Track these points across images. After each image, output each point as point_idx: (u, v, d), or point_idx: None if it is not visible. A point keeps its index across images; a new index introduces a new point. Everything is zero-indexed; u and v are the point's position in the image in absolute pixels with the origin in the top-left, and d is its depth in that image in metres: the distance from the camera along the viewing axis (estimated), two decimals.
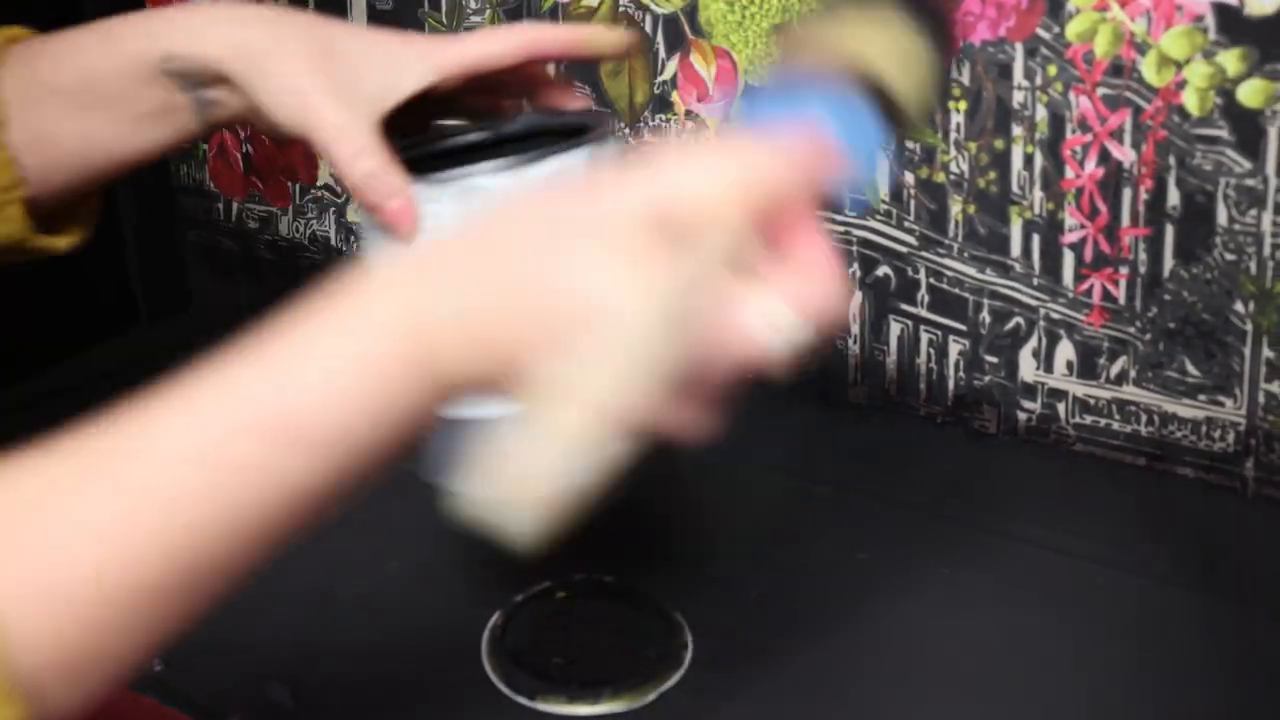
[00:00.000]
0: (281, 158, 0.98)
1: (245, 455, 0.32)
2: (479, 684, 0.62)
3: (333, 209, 0.97)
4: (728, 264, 0.33)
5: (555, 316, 0.33)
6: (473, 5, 0.83)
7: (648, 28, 0.77)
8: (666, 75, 0.78)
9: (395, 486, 0.55)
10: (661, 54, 0.77)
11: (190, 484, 0.32)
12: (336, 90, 0.52)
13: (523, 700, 0.60)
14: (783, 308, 0.34)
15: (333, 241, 0.98)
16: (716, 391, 0.36)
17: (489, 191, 0.50)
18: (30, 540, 0.31)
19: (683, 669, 0.63)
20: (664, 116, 0.79)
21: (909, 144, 0.70)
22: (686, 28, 0.76)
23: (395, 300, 0.34)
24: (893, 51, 0.41)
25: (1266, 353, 0.63)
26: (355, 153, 0.51)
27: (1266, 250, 0.61)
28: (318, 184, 0.97)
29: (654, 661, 0.62)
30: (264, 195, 1.01)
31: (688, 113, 0.78)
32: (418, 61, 0.53)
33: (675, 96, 0.78)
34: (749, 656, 0.64)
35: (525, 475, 0.30)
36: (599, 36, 0.54)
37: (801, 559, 0.73)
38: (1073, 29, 0.63)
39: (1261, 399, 0.64)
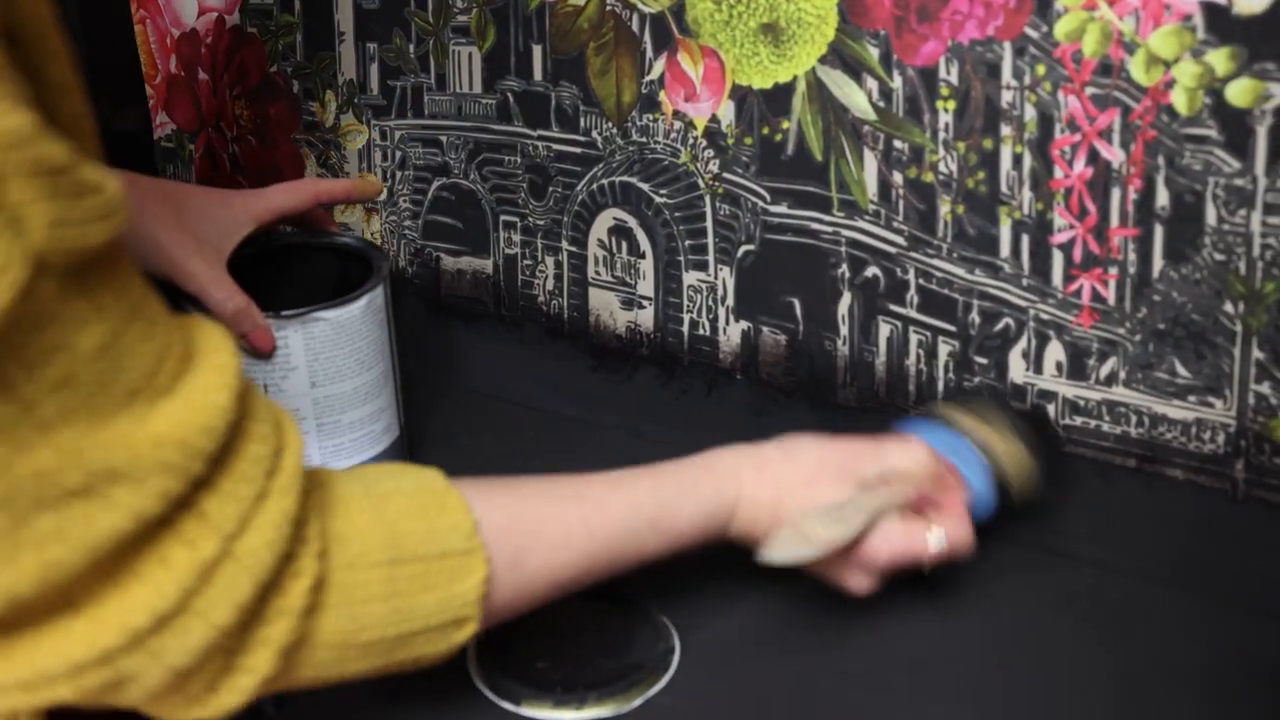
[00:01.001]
0: (267, 157, 0.98)
1: (638, 527, 0.59)
2: (464, 689, 0.62)
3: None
4: (907, 503, 0.63)
5: (801, 504, 0.62)
6: (459, 4, 0.83)
7: (635, 27, 0.77)
8: (654, 75, 0.78)
9: None
10: (649, 53, 0.77)
11: (611, 534, 0.58)
12: (191, 243, 0.70)
13: (507, 705, 0.60)
14: (941, 533, 0.62)
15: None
16: (890, 567, 0.63)
17: (326, 322, 0.71)
18: (523, 539, 0.55)
19: (670, 673, 0.63)
20: (652, 116, 0.79)
21: (897, 145, 0.71)
22: (674, 27, 0.76)
23: (735, 487, 0.62)
24: (1010, 454, 0.67)
25: (1256, 354, 0.63)
26: (225, 296, 0.70)
27: (1256, 250, 0.61)
28: None
29: (640, 666, 0.63)
30: None
31: (675, 112, 0.78)
32: (242, 214, 0.74)
33: (663, 96, 0.78)
34: (737, 660, 0.64)
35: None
36: (363, 187, 0.79)
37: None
38: (1061, 28, 0.63)
39: (1252, 400, 0.64)
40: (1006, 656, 0.64)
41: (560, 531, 0.56)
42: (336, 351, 0.72)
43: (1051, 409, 0.70)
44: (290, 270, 0.79)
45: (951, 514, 0.63)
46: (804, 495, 0.61)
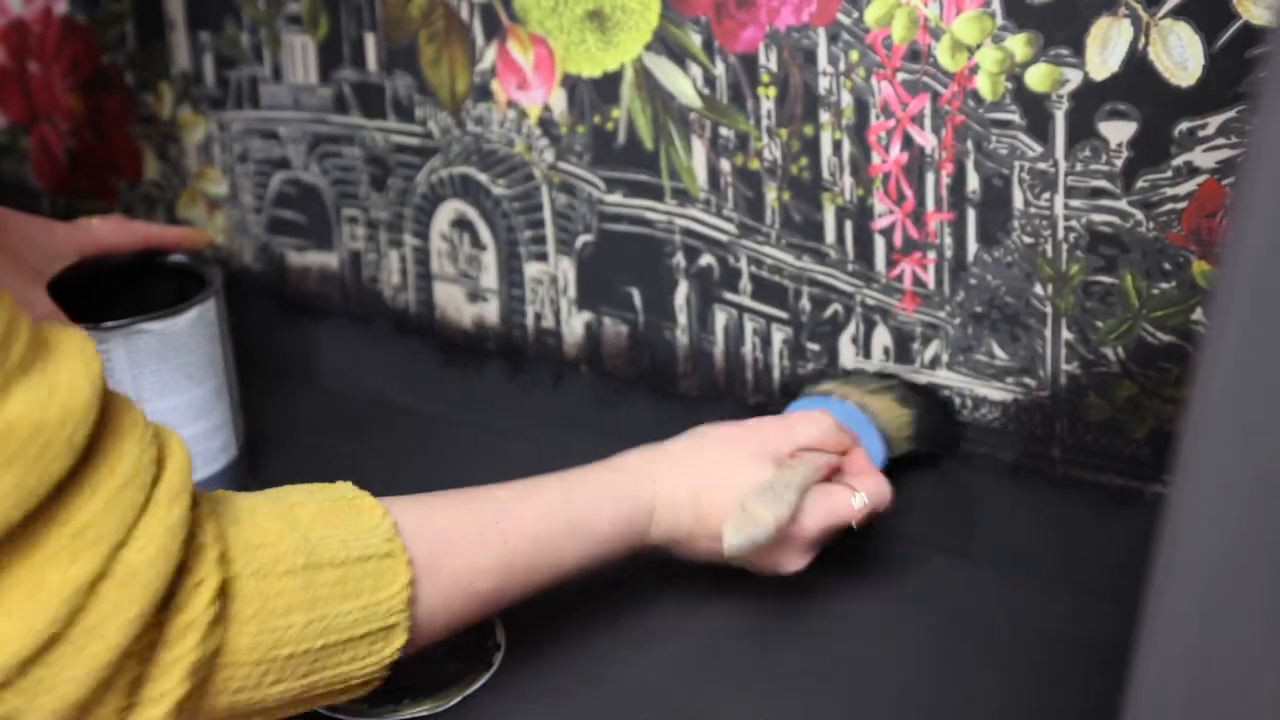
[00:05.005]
0: (104, 151, 0.98)
1: (555, 531, 0.59)
2: None
3: (161, 205, 0.97)
4: (824, 472, 0.65)
5: (723, 495, 0.62)
6: None
7: (464, 14, 0.78)
8: (486, 64, 0.79)
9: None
10: (479, 42, 0.79)
11: (528, 539, 0.58)
12: (9, 263, 0.71)
13: (321, 710, 0.62)
14: (862, 494, 0.64)
15: None
16: (823, 538, 0.64)
17: (150, 334, 0.72)
18: (441, 544, 0.55)
19: (493, 669, 0.65)
20: (486, 105, 0.80)
21: (723, 132, 0.73)
22: (503, 14, 0.77)
23: (650, 485, 0.62)
24: (884, 408, 0.71)
25: (1066, 334, 0.66)
26: (43, 316, 0.70)
27: (1060, 233, 0.65)
28: (144, 179, 0.97)
29: (463, 663, 0.64)
30: (90, 192, 1.01)
31: (509, 102, 0.79)
32: (65, 243, 0.75)
33: (495, 85, 0.79)
34: (563, 654, 0.66)
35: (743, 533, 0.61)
36: (195, 238, 0.81)
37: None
38: (871, 14, 0.66)
39: (1064, 381, 0.67)
40: (836, 641, 0.67)
41: (474, 535, 0.56)
42: (163, 365, 0.72)
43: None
44: (125, 292, 0.80)
45: (864, 473, 0.65)
46: (723, 485, 0.62)
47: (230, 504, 0.50)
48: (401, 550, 0.52)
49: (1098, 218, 0.64)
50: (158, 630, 0.45)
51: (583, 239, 0.80)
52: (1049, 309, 0.66)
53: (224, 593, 0.47)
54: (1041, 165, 0.64)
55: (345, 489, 0.54)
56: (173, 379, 0.73)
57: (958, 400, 0.71)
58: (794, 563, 0.64)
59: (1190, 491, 0.28)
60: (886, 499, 0.65)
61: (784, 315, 0.75)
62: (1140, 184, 0.62)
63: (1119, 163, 0.62)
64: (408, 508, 0.55)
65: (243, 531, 0.49)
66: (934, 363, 0.71)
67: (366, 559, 0.51)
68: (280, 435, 0.86)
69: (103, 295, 0.77)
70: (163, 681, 0.45)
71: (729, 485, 0.61)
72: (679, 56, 0.73)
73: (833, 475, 0.65)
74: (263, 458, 0.83)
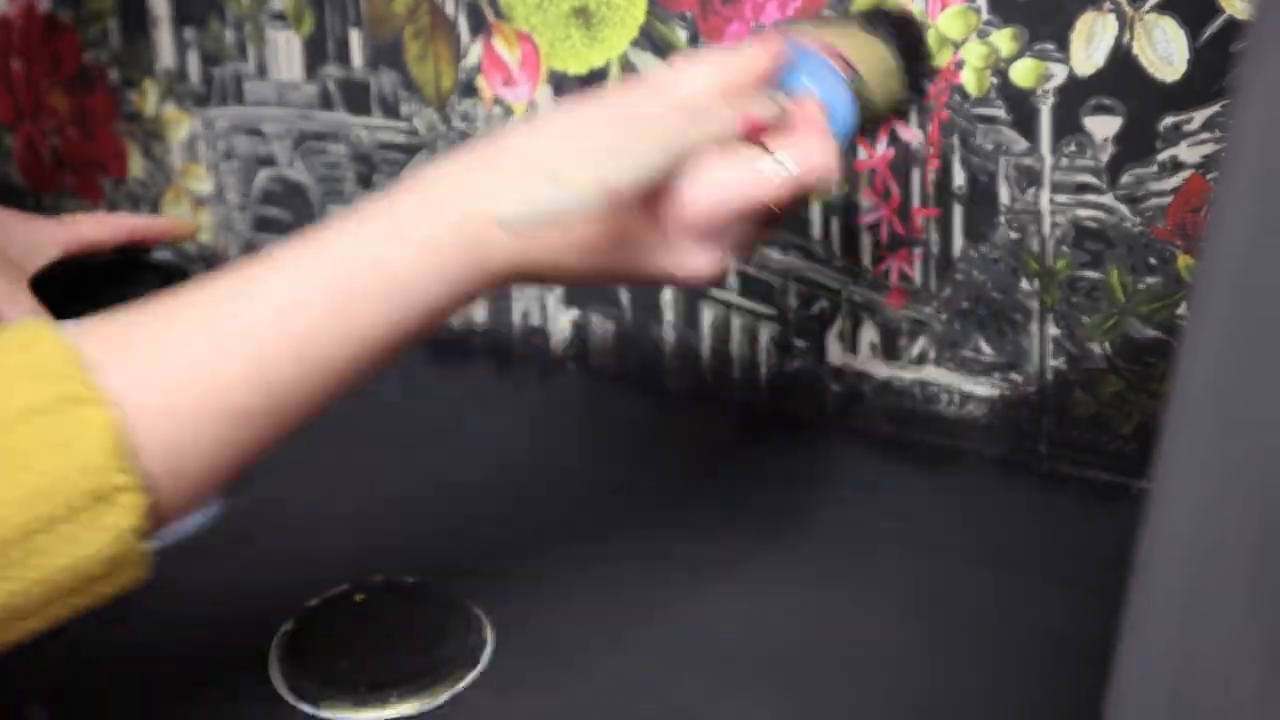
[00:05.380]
0: (90, 149, 0.97)
1: (332, 303, 0.42)
2: (265, 694, 0.63)
3: (146, 203, 0.97)
4: (736, 128, 0.46)
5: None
6: None
7: (449, 10, 0.78)
8: (471, 60, 0.79)
9: None
10: (465, 38, 0.79)
11: (287, 327, 0.42)
12: None
13: (306, 708, 0.62)
14: (786, 155, 0.46)
15: None
16: (727, 221, 0.46)
17: None
18: (157, 366, 0.41)
19: (480, 666, 0.65)
20: (471, 102, 0.80)
21: None
22: (488, 11, 0.77)
23: (458, 201, 0.44)
24: (864, 55, 0.56)
25: (1052, 330, 0.66)
26: (21, 312, 0.69)
27: (1046, 228, 0.65)
28: (129, 177, 0.97)
29: (450, 660, 0.64)
30: (76, 190, 1.00)
31: (495, 99, 0.79)
32: (48, 240, 0.74)
33: (481, 82, 0.79)
34: (551, 650, 0.66)
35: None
36: (179, 228, 0.81)
37: (613, 551, 0.75)
38: (856, 9, 0.66)
39: (1050, 376, 0.67)
40: (824, 637, 0.67)
41: (203, 342, 0.42)
42: None
43: (868, 391, 0.73)
44: (110, 289, 0.80)
45: (803, 131, 0.48)
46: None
47: None
48: (94, 386, 0.39)
49: (1083, 213, 0.64)
50: None
51: None
52: (1035, 304, 0.66)
53: None
54: (1027, 160, 0.64)
55: (22, 329, 0.41)
56: None
57: (946, 395, 0.71)
58: (696, 261, 0.47)
59: (1170, 486, 0.28)
60: (823, 168, 0.47)
61: (771, 312, 0.75)
62: (1126, 179, 0.62)
63: (1104, 158, 0.62)
64: (100, 334, 0.42)
65: None
66: (921, 359, 0.71)
67: (33, 412, 0.38)
68: None
69: (87, 293, 0.77)
70: None
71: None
72: (665, 52, 0.73)
73: (752, 135, 0.47)
74: None
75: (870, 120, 0.56)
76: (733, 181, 0.45)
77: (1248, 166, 0.24)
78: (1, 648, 0.42)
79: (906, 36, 0.59)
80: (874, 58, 0.55)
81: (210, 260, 0.95)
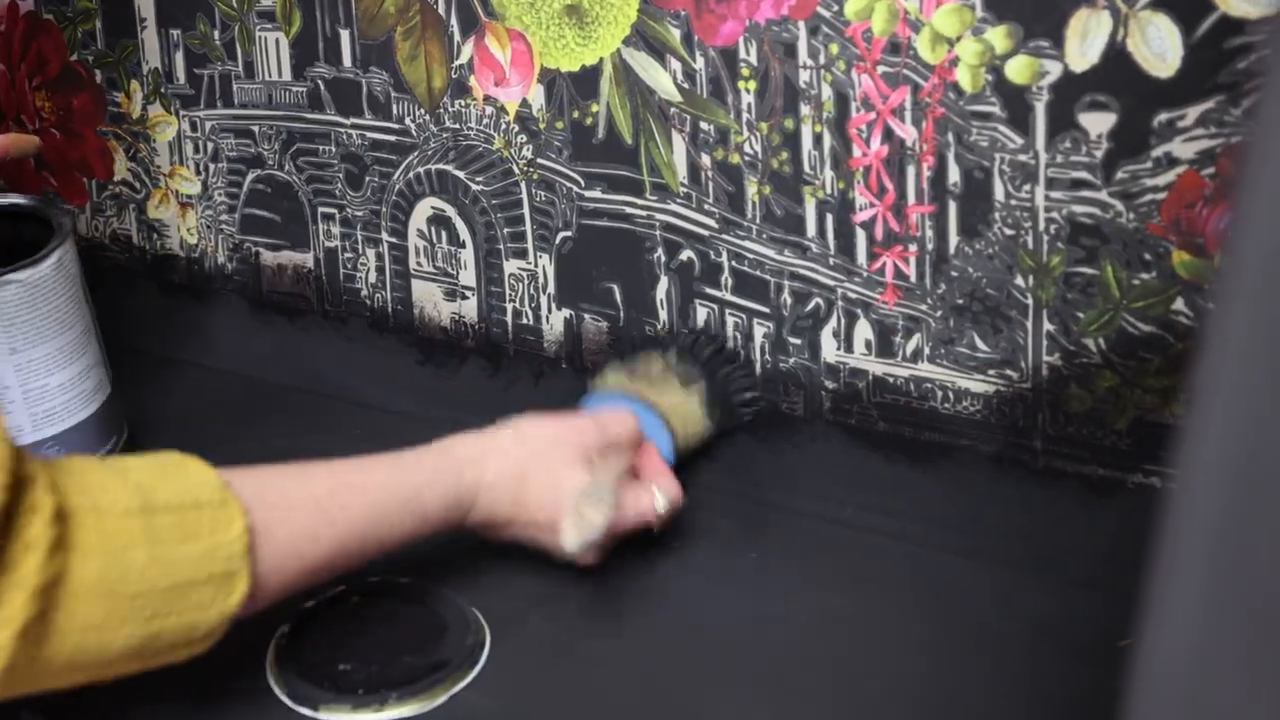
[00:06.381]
0: (75, 152, 0.96)
1: (390, 507, 0.62)
2: (263, 697, 0.62)
3: (133, 205, 0.96)
4: (625, 473, 0.69)
5: (540, 488, 0.67)
6: None
7: (441, 10, 0.78)
8: (463, 59, 0.78)
9: None
10: (457, 37, 0.78)
11: (362, 511, 0.61)
12: None
13: (305, 711, 0.61)
14: (660, 494, 0.69)
15: (135, 240, 0.97)
16: (623, 534, 0.68)
17: (17, 284, 0.73)
18: (278, 510, 0.57)
19: (478, 667, 0.64)
20: (463, 102, 0.79)
21: (703, 126, 0.73)
22: (480, 10, 0.77)
23: (477, 474, 0.66)
24: (675, 408, 0.75)
25: (1047, 326, 0.66)
26: None
27: (1041, 225, 0.65)
28: (115, 179, 0.96)
29: (447, 662, 0.64)
30: (59, 193, 0.99)
31: (486, 97, 0.79)
32: None
33: (473, 81, 0.79)
34: (548, 650, 0.66)
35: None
36: (20, 143, 0.80)
37: (613, 549, 0.75)
38: (851, 7, 0.66)
39: (1045, 372, 0.67)
40: (822, 635, 0.67)
41: (310, 503, 0.58)
42: (33, 314, 0.74)
43: (863, 387, 0.73)
44: None
45: (659, 474, 0.70)
46: (544, 479, 0.66)
47: (57, 460, 0.53)
48: (234, 499, 0.54)
49: (1078, 209, 0.64)
50: None
51: (562, 235, 0.80)
52: (1030, 301, 0.66)
53: (63, 522, 0.49)
54: (1022, 157, 0.64)
55: (172, 454, 0.56)
56: (44, 325, 0.75)
57: (941, 392, 0.71)
58: (593, 556, 0.67)
59: (1191, 487, 0.28)
60: (679, 498, 0.70)
61: (765, 310, 0.75)
62: (1120, 175, 0.62)
63: (1099, 154, 0.62)
64: (241, 473, 0.57)
65: (74, 476, 0.51)
66: (915, 355, 0.71)
67: (200, 506, 0.54)
68: (259, 434, 0.85)
69: None
70: (6, 607, 0.46)
71: (549, 481, 0.66)
72: (658, 51, 0.72)
73: (632, 475, 0.69)
74: (238, 459, 0.82)
75: (682, 457, 0.75)
76: (636, 511, 0.67)
77: (1276, 164, 0.23)
78: (92, 678, 0.52)
79: (720, 377, 0.76)
80: (685, 411, 0.75)
81: (198, 262, 0.94)
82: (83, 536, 0.49)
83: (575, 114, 0.76)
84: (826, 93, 0.68)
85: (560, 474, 0.66)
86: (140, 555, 0.51)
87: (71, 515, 0.49)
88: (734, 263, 0.75)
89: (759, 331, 0.75)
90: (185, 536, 0.52)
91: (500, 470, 0.66)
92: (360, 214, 0.87)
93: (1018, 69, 0.63)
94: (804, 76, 0.69)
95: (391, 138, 0.83)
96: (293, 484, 0.59)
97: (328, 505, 0.59)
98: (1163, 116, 0.60)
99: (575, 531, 0.64)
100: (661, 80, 0.73)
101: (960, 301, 0.68)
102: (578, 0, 0.73)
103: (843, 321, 0.72)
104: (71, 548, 0.49)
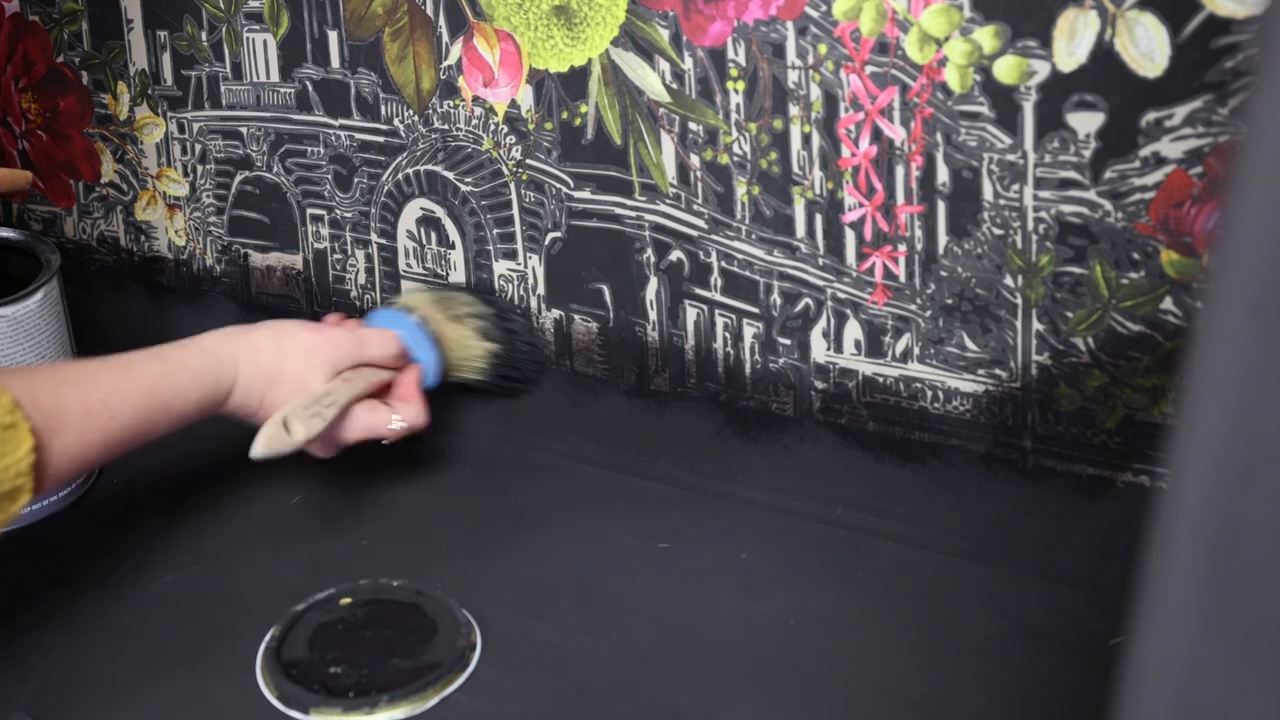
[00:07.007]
0: (61, 153, 0.96)
1: (152, 410, 0.66)
2: (253, 701, 0.62)
3: (120, 207, 0.95)
4: (371, 388, 0.75)
5: (288, 391, 0.72)
6: None
7: (429, 10, 0.77)
8: (451, 60, 0.78)
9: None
10: (445, 38, 0.78)
11: (130, 416, 0.64)
12: None
13: (295, 714, 0.61)
14: (399, 417, 0.74)
15: (123, 242, 0.97)
16: (356, 444, 0.74)
17: (4, 319, 0.75)
18: (65, 405, 0.61)
19: (469, 670, 0.64)
20: (452, 102, 0.79)
21: (692, 127, 0.72)
22: (468, 11, 0.76)
23: (233, 372, 0.70)
24: (456, 337, 0.80)
25: (1036, 325, 0.66)
26: None
27: (1030, 224, 0.65)
28: (102, 181, 0.95)
29: (438, 664, 0.63)
30: (46, 195, 0.99)
31: (475, 98, 0.78)
32: None
33: (462, 82, 0.78)
34: (541, 652, 0.66)
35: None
36: (13, 178, 0.84)
37: (604, 549, 0.75)
38: (839, 7, 0.66)
39: (1034, 371, 0.67)
40: (813, 634, 0.67)
41: (83, 413, 0.62)
42: (16, 348, 0.75)
43: (853, 387, 0.73)
44: None
45: (408, 398, 0.76)
46: (290, 385, 0.71)
47: None
48: (23, 420, 0.58)
49: (1067, 208, 0.64)
50: None
51: (551, 236, 0.79)
52: (1019, 300, 0.66)
53: None
54: (1010, 157, 0.64)
55: None
56: (28, 359, 0.76)
57: (931, 391, 0.71)
58: (322, 451, 0.73)
59: (1183, 486, 0.28)
60: (421, 424, 0.75)
61: (755, 310, 0.74)
62: (1108, 174, 0.62)
63: (1087, 154, 0.62)
64: (19, 381, 0.60)
65: None
66: (905, 355, 0.71)
67: None
68: (244, 439, 0.85)
69: None
70: None
71: (294, 383, 0.71)
72: (647, 51, 0.72)
73: (382, 392, 0.75)
74: (232, 461, 0.81)
75: (449, 378, 0.80)
76: (372, 427, 0.73)
77: (1267, 163, 0.23)
78: None
79: (515, 345, 0.82)
80: (465, 346, 0.80)
81: (187, 264, 0.94)
82: None
83: (564, 115, 0.76)
84: (815, 93, 0.68)
85: (308, 380, 0.71)
86: None
87: None
88: (723, 263, 0.74)
89: (748, 332, 0.75)
90: None
91: (255, 370, 0.71)
92: (349, 215, 0.86)
93: (1006, 69, 0.63)
94: (792, 77, 0.69)
95: (380, 139, 0.83)
96: (68, 393, 0.62)
97: (99, 413, 0.62)
98: (1151, 116, 0.60)
99: (266, 440, 0.67)
100: (650, 81, 0.73)
101: (949, 301, 0.68)
102: (566, 1, 0.73)
103: (832, 322, 0.72)
104: None
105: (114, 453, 0.64)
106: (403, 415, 0.74)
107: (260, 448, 0.67)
